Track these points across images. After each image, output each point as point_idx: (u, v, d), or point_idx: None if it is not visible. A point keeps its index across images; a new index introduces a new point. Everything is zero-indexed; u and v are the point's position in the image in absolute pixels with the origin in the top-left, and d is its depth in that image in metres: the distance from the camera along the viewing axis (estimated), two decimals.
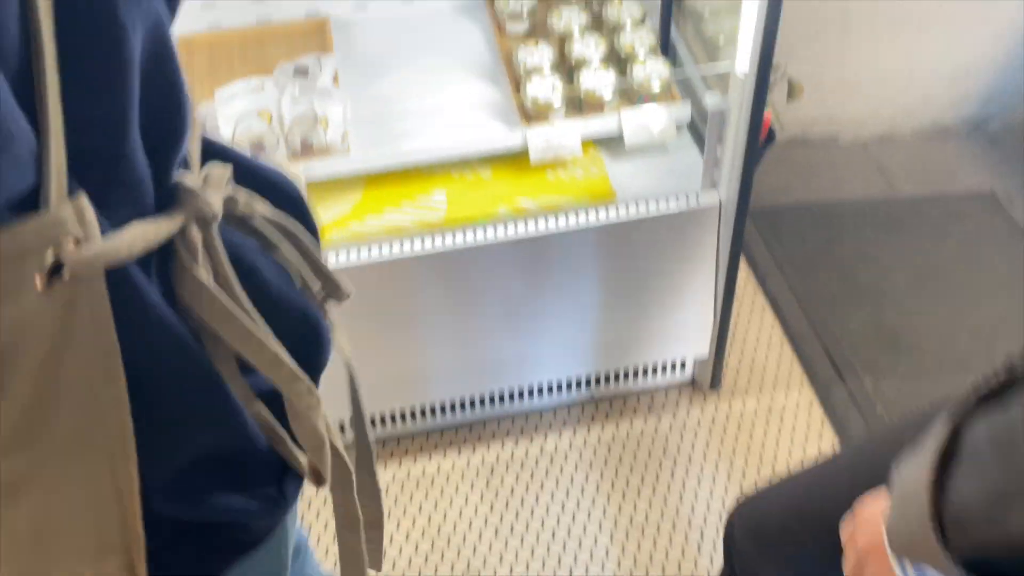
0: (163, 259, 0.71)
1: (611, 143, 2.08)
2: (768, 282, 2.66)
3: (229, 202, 0.75)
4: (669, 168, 2.06)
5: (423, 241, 1.92)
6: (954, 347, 2.49)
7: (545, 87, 2.03)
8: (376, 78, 2.22)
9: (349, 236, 1.94)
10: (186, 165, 0.75)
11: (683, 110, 2.05)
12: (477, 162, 2.08)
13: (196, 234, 0.71)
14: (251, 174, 0.82)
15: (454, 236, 1.92)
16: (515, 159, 2.06)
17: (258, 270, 0.80)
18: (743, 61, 1.75)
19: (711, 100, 1.86)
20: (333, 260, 1.90)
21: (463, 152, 2.03)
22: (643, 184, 2.03)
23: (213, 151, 0.80)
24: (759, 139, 1.87)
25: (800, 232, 2.83)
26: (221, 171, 0.76)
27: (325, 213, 2.00)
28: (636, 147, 2.05)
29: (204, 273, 0.72)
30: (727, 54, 2.02)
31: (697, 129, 2.10)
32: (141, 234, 0.66)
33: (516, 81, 2.13)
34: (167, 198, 0.71)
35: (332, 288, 0.86)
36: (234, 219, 0.78)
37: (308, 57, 2.16)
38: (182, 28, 2.26)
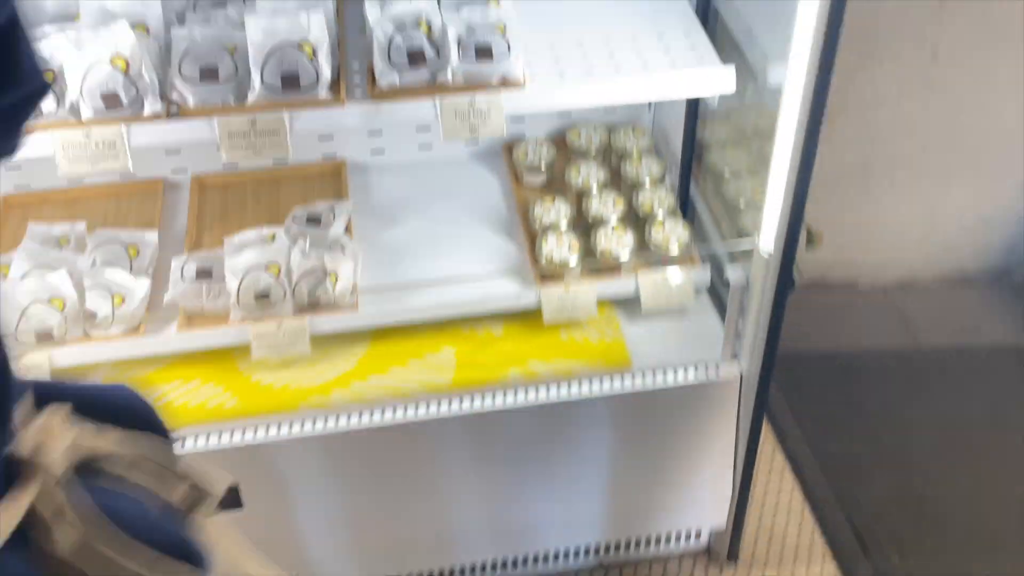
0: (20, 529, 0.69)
1: (628, 303, 2.02)
2: (788, 440, 2.55)
3: (72, 451, 0.74)
4: (687, 332, 1.99)
5: (429, 405, 1.83)
6: (984, 520, 2.35)
7: (561, 246, 1.98)
8: (390, 226, 2.19)
9: (352, 396, 1.86)
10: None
11: (702, 274, 1.99)
12: (489, 317, 2.02)
13: (49, 500, 0.70)
14: (91, 402, 0.81)
15: (461, 401, 1.84)
16: (528, 315, 1.99)
17: (118, 511, 0.77)
18: (767, 239, 1.70)
19: (733, 274, 1.80)
20: (332, 424, 1.81)
21: (474, 310, 1.97)
22: (660, 350, 1.95)
23: (48, 393, 0.79)
24: (783, 313, 1.80)
25: (821, 384, 2.73)
26: (59, 420, 0.75)
27: (328, 369, 1.93)
28: (653, 310, 1.99)
29: (66, 535, 0.70)
30: (748, 217, 1.98)
31: (717, 292, 2.04)
32: None
33: (532, 237, 2.08)
34: (7, 475, 0.69)
35: (198, 496, 0.84)
36: (83, 467, 0.76)
37: (322, 204, 2.13)
38: (199, 166, 2.26)
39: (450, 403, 1.83)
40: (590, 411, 1.89)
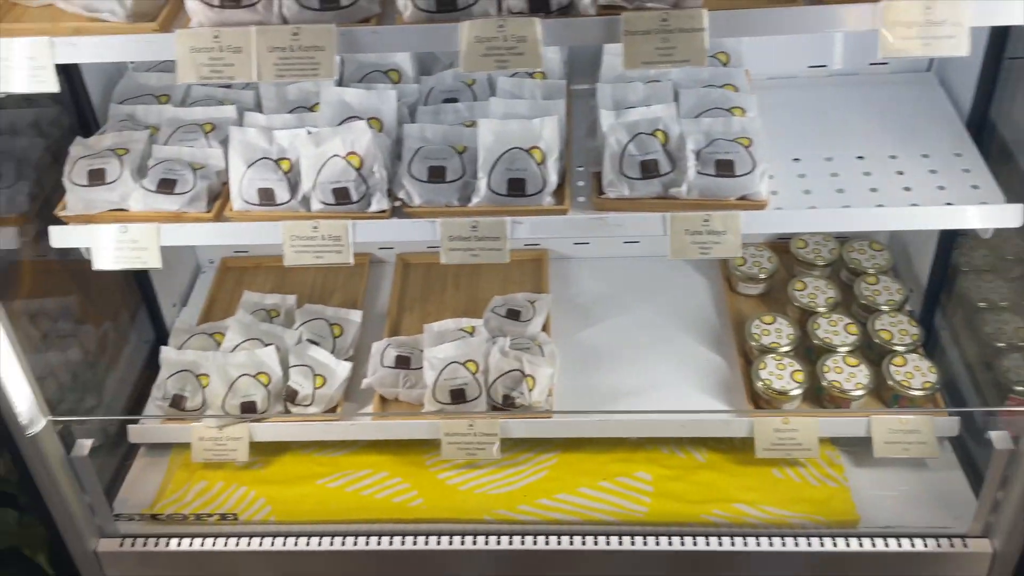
0: None
1: (855, 445, 1.78)
2: None
3: None
4: (926, 489, 1.72)
5: (622, 539, 1.68)
6: None
7: (782, 373, 1.79)
8: (589, 324, 2.08)
9: (539, 514, 1.74)
10: None
11: (949, 424, 1.73)
12: (692, 439, 1.85)
13: None
14: None
15: (658, 540, 1.67)
16: (736, 441, 1.80)
17: None
18: None
19: (997, 438, 1.53)
20: (519, 543, 1.70)
21: (676, 432, 1.81)
22: (892, 506, 1.70)
23: None
24: None
25: None
26: None
27: (515, 476, 1.83)
28: (887, 458, 1.74)
29: None
30: (1010, 361, 1.70)
31: (965, 446, 1.76)
32: None
33: (746, 355, 1.90)
34: None
35: None
36: None
37: (522, 296, 2.06)
38: (405, 245, 2.26)
39: (645, 539, 1.68)
40: (806, 568, 1.66)
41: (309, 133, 1.59)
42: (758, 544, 1.65)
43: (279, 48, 1.31)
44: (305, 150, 1.58)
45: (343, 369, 1.90)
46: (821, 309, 1.92)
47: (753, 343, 1.87)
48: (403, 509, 1.78)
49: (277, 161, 1.59)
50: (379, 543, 1.72)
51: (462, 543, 1.71)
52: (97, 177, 1.60)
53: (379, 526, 1.75)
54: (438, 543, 1.71)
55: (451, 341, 1.88)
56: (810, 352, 1.88)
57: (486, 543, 1.70)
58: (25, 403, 1.55)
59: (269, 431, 1.86)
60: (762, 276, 2.05)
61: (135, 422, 1.89)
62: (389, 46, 1.34)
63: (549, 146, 1.56)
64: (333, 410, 1.89)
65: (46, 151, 1.74)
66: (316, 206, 1.58)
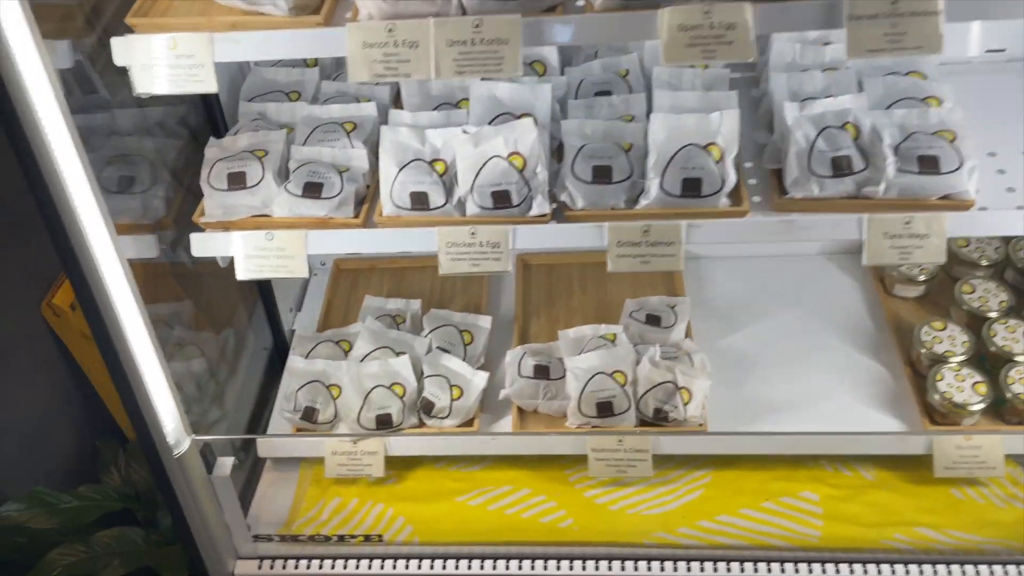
0: None
1: None
2: None
3: None
4: None
5: (797, 565, 1.56)
6: None
7: (961, 386, 1.65)
8: (732, 330, 1.95)
9: (701, 537, 1.63)
10: None
11: None
12: (858, 456, 1.72)
13: None
14: None
15: (837, 567, 1.55)
16: (907, 460, 1.67)
17: None
18: None
19: None
20: (683, 570, 1.58)
21: (847, 449, 1.68)
22: None
23: None
24: None
25: None
26: None
27: (668, 496, 1.72)
28: None
29: None
30: None
31: None
32: None
33: (911, 364, 1.76)
34: None
35: None
36: None
37: (658, 300, 1.94)
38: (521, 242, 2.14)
39: (824, 566, 1.55)
40: None
41: (465, 132, 1.48)
42: (949, 572, 1.52)
43: (459, 42, 1.19)
44: (462, 151, 1.47)
45: (480, 379, 1.79)
46: (994, 314, 1.77)
47: (923, 351, 1.73)
48: (554, 531, 1.67)
49: (431, 163, 1.49)
50: (533, 567, 1.62)
51: (622, 568, 1.60)
52: (237, 181, 1.51)
53: (531, 548, 1.65)
54: (596, 568, 1.61)
55: (592, 350, 1.77)
56: (983, 360, 1.73)
57: (648, 569, 1.59)
58: (172, 422, 1.47)
59: (405, 445, 1.77)
60: (922, 278, 1.90)
61: (276, 437, 1.81)
62: (579, 37, 1.22)
63: (728, 142, 1.43)
64: (470, 422, 1.79)
65: (180, 153, 1.65)
66: (472, 210, 1.47)
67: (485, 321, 1.95)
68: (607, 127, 1.51)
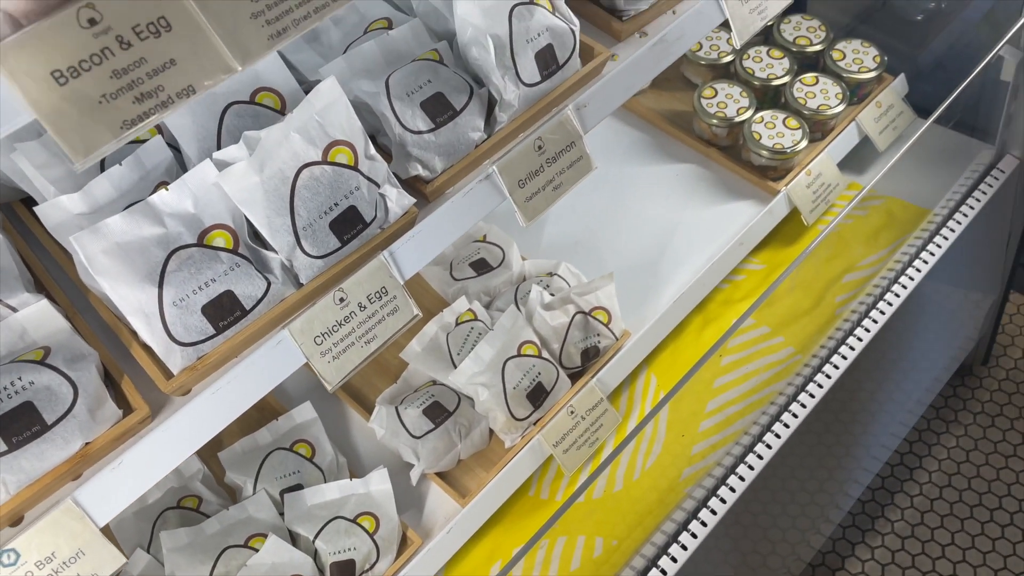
0: None
1: (858, 156, 1.66)
2: None
3: None
4: None
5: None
6: None
7: (780, 131, 1.58)
8: (546, 225, 1.62)
9: (719, 428, 1.38)
10: None
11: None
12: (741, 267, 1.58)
13: None
14: None
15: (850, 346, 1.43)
16: (773, 234, 1.59)
17: None
18: None
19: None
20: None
21: (731, 257, 1.52)
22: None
23: None
24: None
25: None
26: None
27: (641, 439, 1.41)
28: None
29: None
30: None
31: None
32: None
33: (709, 142, 1.65)
34: None
35: None
36: None
37: (454, 251, 1.50)
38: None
39: (831, 358, 1.42)
40: None
41: (232, 167, 0.82)
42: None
43: None
44: (246, 187, 0.81)
45: (378, 481, 1.21)
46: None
47: (715, 123, 1.61)
48: (604, 565, 1.26)
49: (202, 242, 0.81)
50: None
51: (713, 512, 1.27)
52: None
53: None
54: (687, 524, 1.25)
55: (472, 344, 1.30)
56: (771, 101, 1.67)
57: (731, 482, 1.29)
58: None
59: None
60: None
61: None
62: None
63: None
64: (404, 543, 1.21)
65: None
66: (308, 272, 0.85)
67: (305, 413, 1.31)
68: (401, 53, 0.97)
